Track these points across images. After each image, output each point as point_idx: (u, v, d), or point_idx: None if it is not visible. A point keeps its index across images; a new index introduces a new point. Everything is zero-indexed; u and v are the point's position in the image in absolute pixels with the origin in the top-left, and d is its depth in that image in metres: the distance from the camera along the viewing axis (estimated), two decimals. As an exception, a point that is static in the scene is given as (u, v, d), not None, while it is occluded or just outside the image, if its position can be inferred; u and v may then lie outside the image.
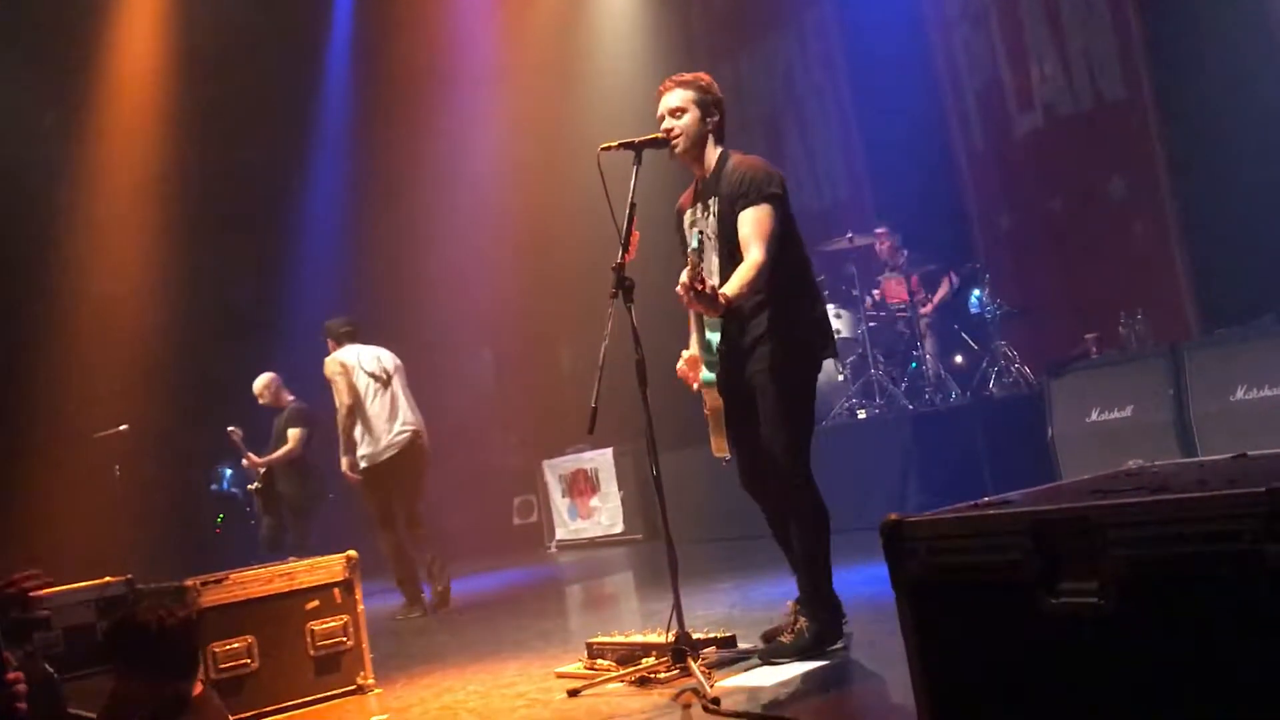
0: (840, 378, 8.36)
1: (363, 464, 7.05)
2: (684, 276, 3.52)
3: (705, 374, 4.00)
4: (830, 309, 8.29)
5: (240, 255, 11.87)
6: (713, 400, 4.00)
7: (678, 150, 4.07)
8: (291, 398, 8.64)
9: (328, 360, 7.25)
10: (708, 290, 3.51)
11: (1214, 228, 7.35)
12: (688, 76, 4.12)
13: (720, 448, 4.08)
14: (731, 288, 3.71)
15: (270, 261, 12.27)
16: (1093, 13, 8.18)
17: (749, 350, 3.96)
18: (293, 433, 8.50)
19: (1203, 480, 1.85)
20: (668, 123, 4.06)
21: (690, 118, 4.05)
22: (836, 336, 8.20)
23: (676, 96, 4.07)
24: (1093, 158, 8.19)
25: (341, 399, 7.09)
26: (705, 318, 3.95)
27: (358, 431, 7.07)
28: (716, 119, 4.09)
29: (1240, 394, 5.58)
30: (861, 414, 7.99)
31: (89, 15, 11.06)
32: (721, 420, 4.03)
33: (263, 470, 8.59)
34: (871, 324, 8.25)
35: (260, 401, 8.63)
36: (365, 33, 12.53)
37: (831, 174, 10.49)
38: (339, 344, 7.34)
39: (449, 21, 12.13)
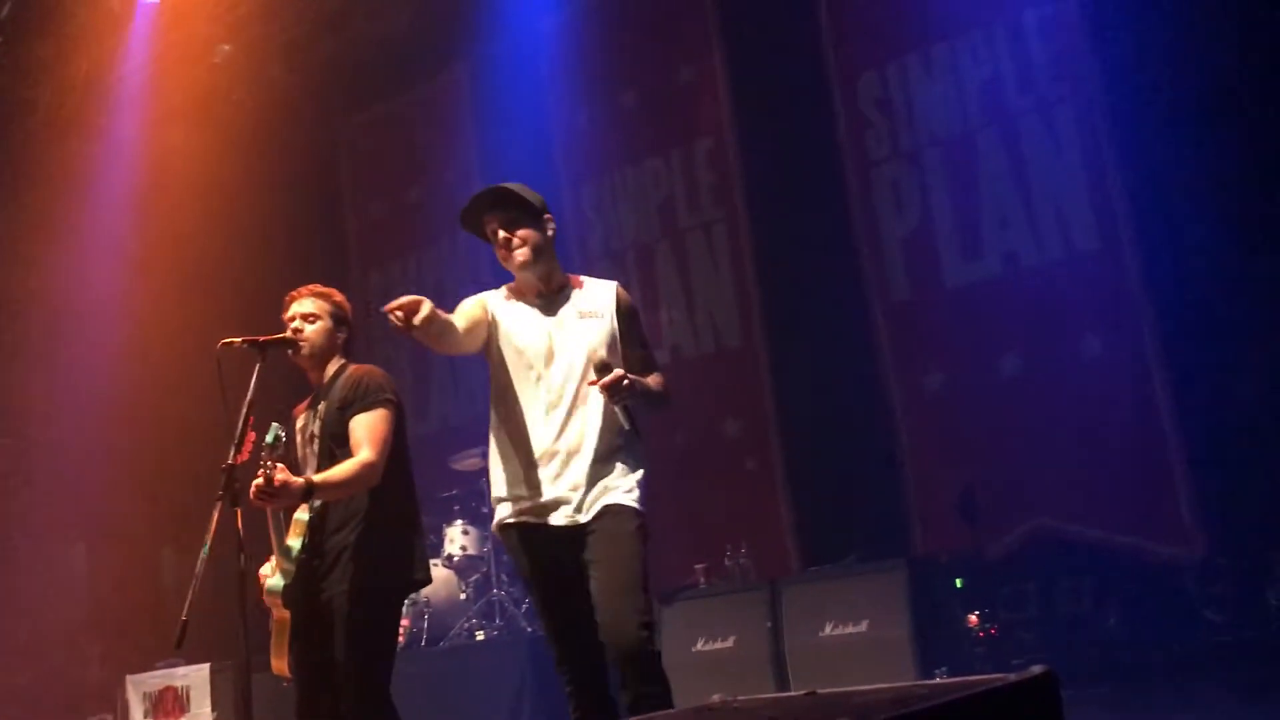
0: (462, 596, 8.21)
1: None
2: (259, 478, 3.40)
3: (273, 581, 3.69)
4: (458, 525, 8.22)
5: None
6: (279, 611, 3.71)
7: (304, 353, 3.99)
8: None
9: None
10: (279, 483, 3.36)
11: (813, 471, 8.07)
12: (323, 289, 4.12)
13: (280, 667, 3.76)
14: (321, 475, 3.57)
15: None
16: (717, 268, 8.99)
17: (332, 564, 3.77)
18: None
19: (772, 719, 1.93)
20: (297, 323, 4.00)
21: (322, 325, 4.04)
22: (463, 554, 8.21)
23: (310, 304, 4.05)
24: (712, 397, 8.81)
25: None
26: (284, 525, 3.73)
27: None
28: (345, 335, 4.10)
29: (829, 629, 5.98)
30: (480, 635, 7.85)
31: None
32: (286, 635, 3.73)
33: None
34: (497, 543, 8.23)
35: None
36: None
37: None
38: None
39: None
